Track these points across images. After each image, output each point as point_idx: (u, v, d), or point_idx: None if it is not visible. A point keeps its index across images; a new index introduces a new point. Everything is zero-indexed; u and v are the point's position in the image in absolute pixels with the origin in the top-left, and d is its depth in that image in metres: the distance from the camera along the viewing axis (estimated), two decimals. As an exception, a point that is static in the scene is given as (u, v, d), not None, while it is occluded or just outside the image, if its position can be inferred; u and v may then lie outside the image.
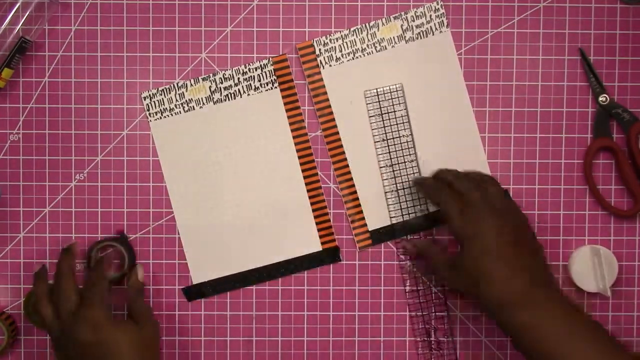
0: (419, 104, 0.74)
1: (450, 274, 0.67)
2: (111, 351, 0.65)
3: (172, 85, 0.74)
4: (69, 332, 0.66)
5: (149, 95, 0.74)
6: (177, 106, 0.74)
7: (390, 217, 0.74)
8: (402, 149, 0.74)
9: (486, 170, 0.75)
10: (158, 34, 0.74)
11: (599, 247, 0.73)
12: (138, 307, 0.70)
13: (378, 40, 0.74)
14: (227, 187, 0.74)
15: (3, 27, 0.72)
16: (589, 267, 0.74)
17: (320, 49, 0.74)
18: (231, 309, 0.75)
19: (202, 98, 0.74)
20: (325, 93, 0.74)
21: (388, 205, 0.74)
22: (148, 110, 0.74)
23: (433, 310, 0.75)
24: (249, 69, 0.74)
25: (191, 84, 0.74)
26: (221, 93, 0.74)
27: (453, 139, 0.75)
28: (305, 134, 0.74)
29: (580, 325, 0.62)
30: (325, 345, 0.75)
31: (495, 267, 0.64)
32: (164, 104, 0.74)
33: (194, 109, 0.74)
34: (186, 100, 0.74)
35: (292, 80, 0.74)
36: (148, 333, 0.68)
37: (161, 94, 0.74)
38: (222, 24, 0.74)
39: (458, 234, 0.66)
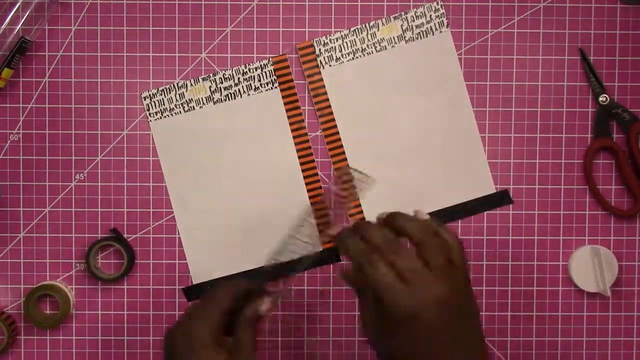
0: (419, 105, 0.74)
1: (371, 321, 0.53)
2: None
3: (172, 85, 0.74)
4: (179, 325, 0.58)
5: (149, 95, 0.74)
6: (177, 106, 0.74)
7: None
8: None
9: (486, 170, 0.75)
10: (158, 34, 0.74)
11: (599, 247, 0.73)
12: (243, 338, 0.58)
13: (378, 40, 0.74)
14: (227, 187, 0.74)
15: (3, 27, 0.72)
16: (589, 267, 0.74)
17: (320, 49, 0.74)
18: (231, 309, 0.75)
19: (202, 98, 0.74)
20: (325, 93, 0.74)
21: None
22: (148, 110, 0.74)
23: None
24: (249, 69, 0.74)
25: (191, 84, 0.74)
26: (221, 93, 0.74)
27: (453, 139, 0.75)
28: (305, 134, 0.74)
29: None
30: (325, 345, 0.75)
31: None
32: (164, 104, 0.74)
33: (194, 109, 0.74)
34: (186, 100, 0.74)
35: (292, 80, 0.74)
36: None
37: (161, 94, 0.74)
38: (222, 24, 0.74)
39: (393, 309, 0.50)
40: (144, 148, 0.75)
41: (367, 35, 0.74)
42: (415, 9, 0.74)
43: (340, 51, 0.74)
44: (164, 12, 0.74)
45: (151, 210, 0.75)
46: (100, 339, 0.75)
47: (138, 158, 0.75)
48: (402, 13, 0.74)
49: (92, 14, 0.74)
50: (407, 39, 0.74)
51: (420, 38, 0.74)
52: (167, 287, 0.75)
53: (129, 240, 0.75)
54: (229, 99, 0.74)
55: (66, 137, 0.74)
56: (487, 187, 0.75)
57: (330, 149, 0.75)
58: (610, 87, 0.75)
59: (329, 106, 0.74)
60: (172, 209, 0.75)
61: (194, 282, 0.75)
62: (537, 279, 0.75)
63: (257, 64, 0.74)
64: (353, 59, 0.74)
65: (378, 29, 0.74)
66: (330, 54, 0.74)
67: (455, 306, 0.50)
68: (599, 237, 0.75)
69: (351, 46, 0.74)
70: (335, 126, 0.74)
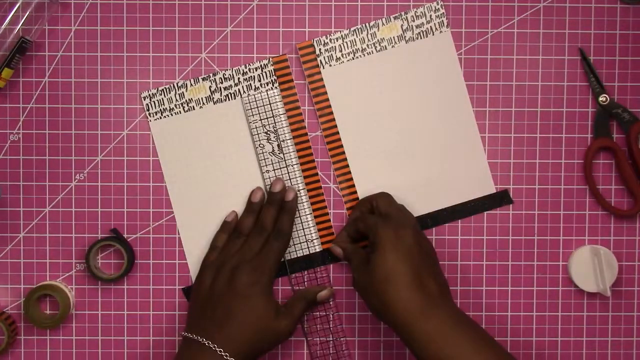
0: (419, 105, 0.74)
1: (363, 274, 0.66)
2: (238, 309, 0.67)
3: (172, 85, 0.74)
4: (228, 266, 0.70)
5: (149, 95, 0.74)
6: (177, 106, 0.74)
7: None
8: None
9: (486, 170, 0.75)
10: (158, 34, 0.74)
11: (599, 247, 0.73)
12: (294, 306, 0.71)
13: (378, 40, 0.74)
14: (227, 187, 0.74)
15: (3, 27, 0.72)
16: (589, 267, 0.74)
17: (320, 49, 0.74)
18: (231, 309, 0.75)
19: (202, 98, 0.74)
20: (325, 93, 0.74)
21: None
22: (148, 110, 0.74)
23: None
24: (249, 69, 0.74)
25: (191, 84, 0.74)
26: (221, 93, 0.74)
27: (453, 139, 0.74)
28: (306, 134, 0.74)
29: (482, 335, 0.63)
30: (325, 345, 0.75)
31: (405, 278, 0.64)
32: (163, 104, 0.74)
33: (194, 109, 0.74)
34: (186, 100, 0.74)
35: (292, 80, 0.74)
36: (281, 329, 0.69)
37: (161, 94, 0.74)
38: (222, 24, 0.74)
39: (377, 237, 0.66)
40: (144, 148, 0.75)
41: (367, 35, 0.74)
42: (415, 9, 0.74)
43: (340, 51, 0.74)
44: (164, 12, 0.74)
45: (151, 210, 0.75)
46: (100, 339, 0.75)
47: (138, 158, 0.75)
48: (402, 13, 0.74)
49: (92, 14, 0.74)
50: (407, 39, 0.74)
51: (421, 38, 0.74)
52: (167, 287, 0.75)
53: (129, 240, 0.75)
54: (229, 99, 0.74)
55: (66, 137, 0.74)
56: (487, 187, 0.75)
57: (330, 149, 0.75)
58: (610, 87, 0.75)
59: (329, 106, 0.74)
60: (172, 209, 0.75)
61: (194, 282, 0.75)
62: (537, 279, 0.75)
63: (257, 64, 0.74)
64: (353, 59, 0.74)
65: (378, 28, 0.74)
66: (330, 54, 0.74)
67: (419, 234, 0.67)
68: (599, 237, 0.75)
69: (351, 46, 0.74)
70: (336, 126, 0.74)
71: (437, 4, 0.74)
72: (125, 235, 0.74)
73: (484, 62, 0.75)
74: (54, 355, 0.75)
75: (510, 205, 0.75)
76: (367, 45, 0.74)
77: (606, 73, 0.75)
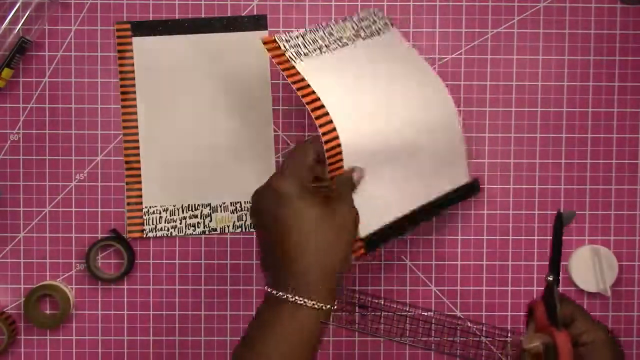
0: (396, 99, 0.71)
1: None
2: (294, 224, 0.59)
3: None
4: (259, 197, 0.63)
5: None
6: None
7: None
8: None
9: (463, 162, 0.74)
10: (158, 34, 0.74)
11: (599, 247, 0.73)
12: (343, 191, 0.63)
13: (336, 38, 0.69)
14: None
15: (3, 27, 0.72)
16: (589, 267, 0.74)
17: (284, 45, 0.66)
18: (231, 308, 0.75)
19: None
20: (309, 86, 0.66)
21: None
22: None
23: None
24: None
25: None
26: None
27: (434, 132, 0.71)
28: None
29: None
30: (325, 345, 0.75)
31: None
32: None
33: None
34: None
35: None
36: (344, 213, 0.61)
37: None
38: (222, 24, 0.74)
39: None
40: (144, 148, 0.75)
41: (324, 33, 0.69)
42: (358, 13, 0.71)
43: (305, 47, 0.68)
44: (163, 12, 0.74)
45: (151, 210, 0.75)
46: (100, 339, 0.75)
47: (138, 158, 0.75)
48: (348, 17, 0.71)
49: (92, 14, 0.74)
50: (363, 36, 0.70)
51: (372, 36, 0.71)
52: (167, 287, 0.75)
53: (129, 240, 0.75)
54: None
55: (66, 137, 0.74)
56: (462, 178, 0.72)
57: (328, 149, 0.70)
58: (610, 87, 0.75)
59: (319, 99, 0.68)
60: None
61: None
62: (537, 279, 0.75)
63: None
64: (320, 54, 0.69)
65: (332, 29, 0.70)
66: (296, 49, 0.67)
67: None
68: (599, 237, 0.75)
69: (312, 43, 0.69)
70: (331, 120, 0.69)
71: (378, 12, 0.72)
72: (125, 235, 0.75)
73: (484, 62, 0.75)
74: (54, 355, 0.75)
75: (510, 205, 0.75)
76: (329, 42, 0.69)
77: (606, 73, 0.75)
